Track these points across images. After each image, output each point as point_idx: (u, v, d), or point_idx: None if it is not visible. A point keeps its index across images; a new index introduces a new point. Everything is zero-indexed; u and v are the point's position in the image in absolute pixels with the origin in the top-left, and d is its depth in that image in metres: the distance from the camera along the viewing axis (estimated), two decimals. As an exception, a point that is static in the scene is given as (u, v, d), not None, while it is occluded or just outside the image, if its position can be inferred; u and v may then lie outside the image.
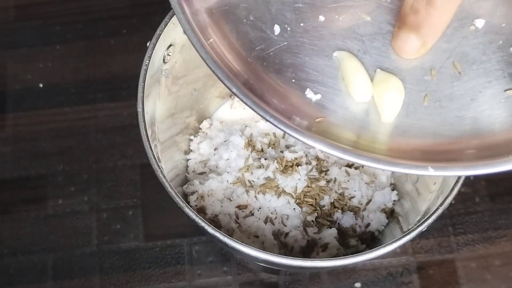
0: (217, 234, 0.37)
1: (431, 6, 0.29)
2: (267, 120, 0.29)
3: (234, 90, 0.30)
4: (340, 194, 0.48)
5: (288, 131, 0.29)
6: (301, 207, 0.47)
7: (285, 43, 0.32)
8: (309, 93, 0.31)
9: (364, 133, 0.31)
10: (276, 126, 0.29)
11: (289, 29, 0.32)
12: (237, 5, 0.33)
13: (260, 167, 0.48)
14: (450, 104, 0.32)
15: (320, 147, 0.29)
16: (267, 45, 0.32)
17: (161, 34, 0.41)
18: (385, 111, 0.31)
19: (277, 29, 0.32)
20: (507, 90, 0.32)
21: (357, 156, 0.29)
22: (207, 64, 0.30)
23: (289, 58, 0.32)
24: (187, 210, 0.38)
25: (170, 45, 0.43)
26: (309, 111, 0.31)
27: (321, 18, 0.33)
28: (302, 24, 0.33)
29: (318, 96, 0.31)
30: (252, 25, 0.32)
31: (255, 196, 0.47)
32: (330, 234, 0.47)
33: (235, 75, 0.30)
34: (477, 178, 0.56)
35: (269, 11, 0.33)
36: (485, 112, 0.31)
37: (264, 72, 0.32)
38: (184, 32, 0.31)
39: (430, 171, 0.29)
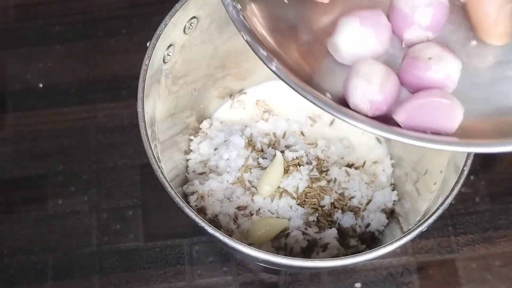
0: (217, 234, 0.37)
1: None
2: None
3: None
4: (340, 194, 0.48)
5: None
6: (303, 207, 0.47)
7: None
8: None
9: None
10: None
11: None
12: None
13: (260, 167, 0.48)
14: None
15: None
16: None
17: (161, 34, 0.41)
18: None
19: None
20: None
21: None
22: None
23: None
24: (187, 210, 0.38)
25: (170, 45, 0.43)
26: None
27: None
28: None
29: None
30: None
31: (255, 197, 0.47)
32: (330, 234, 0.47)
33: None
34: (477, 178, 0.56)
35: None
36: None
37: None
38: None
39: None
